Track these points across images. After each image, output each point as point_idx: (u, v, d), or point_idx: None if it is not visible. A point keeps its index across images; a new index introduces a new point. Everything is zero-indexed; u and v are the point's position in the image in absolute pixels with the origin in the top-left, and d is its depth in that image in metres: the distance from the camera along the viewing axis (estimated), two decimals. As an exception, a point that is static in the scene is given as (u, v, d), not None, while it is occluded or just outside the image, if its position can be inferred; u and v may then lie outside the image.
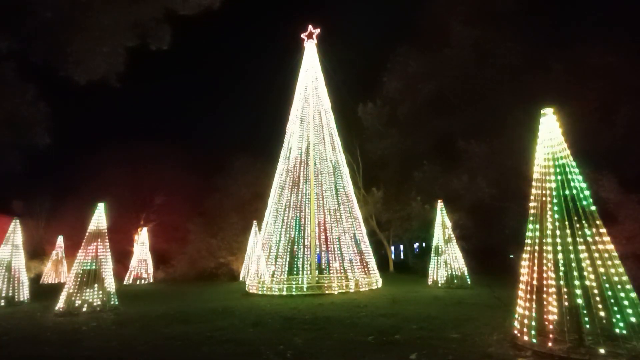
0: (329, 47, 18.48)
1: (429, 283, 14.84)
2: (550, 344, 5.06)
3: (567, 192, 5.44)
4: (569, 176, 5.53)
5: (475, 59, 20.47)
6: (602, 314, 5.02)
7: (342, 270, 14.58)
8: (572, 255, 5.20)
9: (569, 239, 5.25)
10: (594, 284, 5.08)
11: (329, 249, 14.88)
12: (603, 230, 5.27)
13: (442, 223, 14.97)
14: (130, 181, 29.53)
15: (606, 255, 5.14)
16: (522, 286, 5.70)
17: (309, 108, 16.24)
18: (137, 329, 7.90)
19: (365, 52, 28.62)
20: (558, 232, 5.38)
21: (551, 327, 5.19)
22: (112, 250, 11.59)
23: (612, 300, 4.97)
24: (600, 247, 5.18)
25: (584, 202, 5.39)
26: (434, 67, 21.96)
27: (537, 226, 5.66)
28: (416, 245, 31.19)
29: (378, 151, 25.00)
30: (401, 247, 36.36)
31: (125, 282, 21.90)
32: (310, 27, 17.15)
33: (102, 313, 10.11)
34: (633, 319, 4.82)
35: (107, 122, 45.26)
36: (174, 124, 47.41)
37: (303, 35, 17.26)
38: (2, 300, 12.41)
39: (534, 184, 5.93)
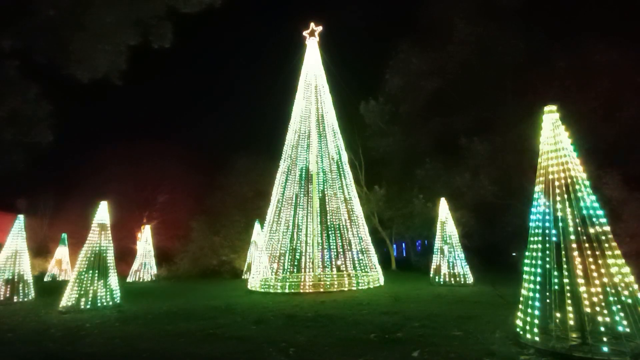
0: (330, 44, 18.45)
1: (431, 281, 14.83)
2: (553, 342, 5.05)
3: (570, 189, 5.42)
4: (573, 174, 5.50)
5: (478, 56, 20.36)
6: (605, 311, 5.00)
7: (344, 268, 14.59)
8: (575, 253, 5.18)
9: (572, 237, 5.23)
10: (597, 282, 5.06)
11: (331, 247, 14.90)
12: (607, 228, 5.24)
13: (445, 220, 14.93)
14: (133, 179, 29.72)
15: (609, 253, 5.11)
16: (525, 284, 5.68)
17: (311, 106, 16.21)
18: (140, 326, 7.95)
19: (367, 50, 28.57)
20: (562, 232, 5.36)
21: (554, 325, 5.17)
22: (115, 248, 11.64)
23: (616, 298, 4.95)
24: (604, 244, 5.15)
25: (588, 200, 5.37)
26: (436, 64, 21.85)
27: (540, 224, 5.63)
28: (418, 242, 31.18)
29: (380, 149, 24.95)
30: (403, 244, 36.36)
31: (128, 280, 21.99)
32: (312, 25, 17.09)
33: (106, 310, 10.18)
34: (636, 317, 4.80)
35: (110, 120, 45.45)
36: (176, 122, 47.53)
37: (305, 33, 17.20)
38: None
39: (537, 181, 5.90)
